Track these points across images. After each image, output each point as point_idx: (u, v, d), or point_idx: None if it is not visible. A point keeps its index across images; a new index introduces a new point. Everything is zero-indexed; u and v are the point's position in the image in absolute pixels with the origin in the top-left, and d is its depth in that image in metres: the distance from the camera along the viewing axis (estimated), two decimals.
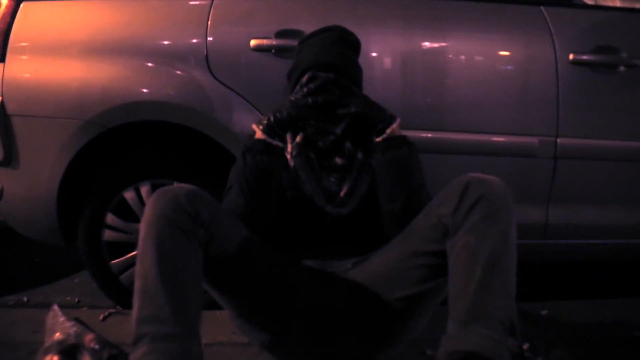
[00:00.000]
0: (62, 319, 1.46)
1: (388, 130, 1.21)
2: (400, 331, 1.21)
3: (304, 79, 1.28)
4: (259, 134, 1.23)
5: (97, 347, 1.27)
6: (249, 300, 1.18)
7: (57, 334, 1.31)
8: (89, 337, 1.29)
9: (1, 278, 2.31)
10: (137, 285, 0.96)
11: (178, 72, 1.64)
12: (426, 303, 1.16)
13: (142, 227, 1.01)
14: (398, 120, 1.24)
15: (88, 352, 1.24)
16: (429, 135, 1.67)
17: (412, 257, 1.12)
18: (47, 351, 1.24)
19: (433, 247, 1.08)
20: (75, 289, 2.19)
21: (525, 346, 1.43)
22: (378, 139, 1.22)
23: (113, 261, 1.80)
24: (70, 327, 1.37)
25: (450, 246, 1.03)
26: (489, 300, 0.94)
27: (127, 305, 1.77)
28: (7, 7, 1.71)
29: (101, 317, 1.66)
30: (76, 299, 2.08)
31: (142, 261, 0.98)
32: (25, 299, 2.09)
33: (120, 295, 1.83)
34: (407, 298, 1.13)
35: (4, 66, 1.69)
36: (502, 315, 0.93)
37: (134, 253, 1.77)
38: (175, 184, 1.12)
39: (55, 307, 1.57)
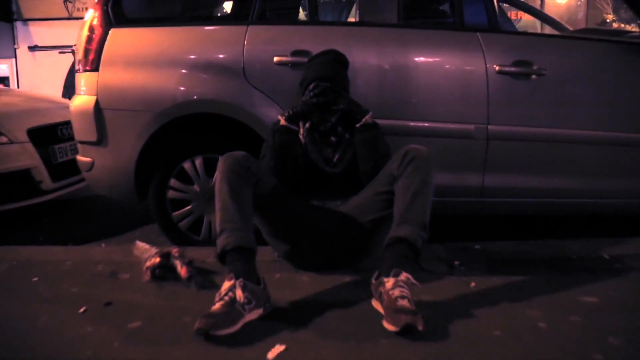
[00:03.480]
0: (147, 246, 2.18)
1: (363, 120, 1.93)
2: (371, 244, 1.93)
3: (311, 87, 1.99)
4: (282, 122, 1.95)
5: (179, 255, 1.99)
6: (276, 222, 1.91)
7: (153, 249, 2.03)
8: (174, 250, 2.01)
9: (81, 231, 3.06)
10: (218, 205, 1.69)
11: (224, 78, 2.35)
12: (385, 224, 1.87)
13: (218, 174, 1.74)
14: (370, 113, 1.96)
15: (175, 258, 1.96)
16: (396, 122, 2.34)
17: (376, 195, 1.85)
18: (150, 257, 1.96)
19: (387, 188, 1.81)
20: (137, 239, 2.91)
21: (457, 262, 2.14)
22: (357, 125, 1.94)
23: (175, 213, 2.50)
24: (157, 247, 2.09)
25: (395, 187, 1.76)
26: (412, 212, 1.67)
27: (183, 244, 2.43)
28: (100, 33, 2.42)
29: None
30: None
31: (219, 192, 1.70)
32: (102, 245, 2.81)
33: (179, 238, 2.53)
34: (374, 220, 1.87)
35: (98, 74, 2.41)
36: (419, 220, 1.66)
37: (188, 207, 2.50)
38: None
39: (137, 241, 2.28)
